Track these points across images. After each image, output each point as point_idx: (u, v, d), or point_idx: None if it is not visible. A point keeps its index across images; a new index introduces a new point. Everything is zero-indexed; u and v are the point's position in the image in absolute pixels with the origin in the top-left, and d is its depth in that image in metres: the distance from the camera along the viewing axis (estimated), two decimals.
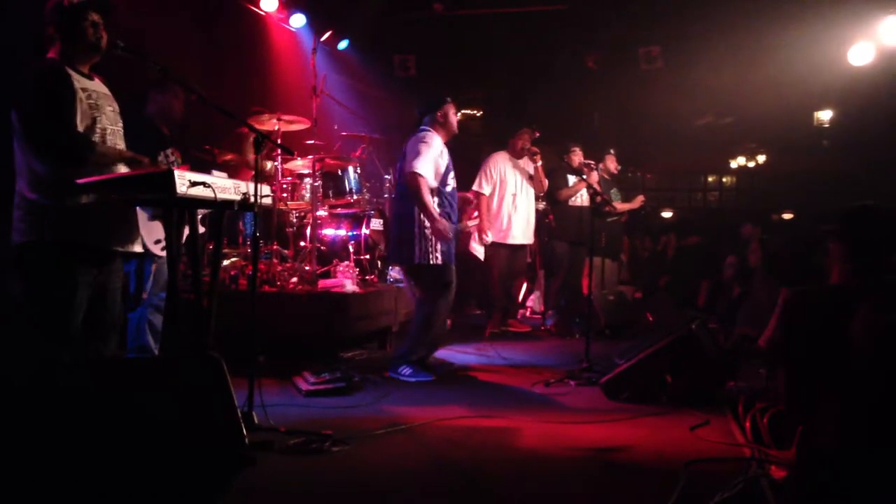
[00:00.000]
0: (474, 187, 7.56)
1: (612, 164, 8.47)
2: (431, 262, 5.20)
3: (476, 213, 7.73)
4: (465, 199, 7.74)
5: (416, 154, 5.16)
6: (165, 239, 3.58)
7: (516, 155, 7.57)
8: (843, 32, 8.64)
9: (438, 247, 5.20)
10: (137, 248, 3.75)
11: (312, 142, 6.63)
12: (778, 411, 3.54)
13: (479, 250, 8.11)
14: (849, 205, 2.55)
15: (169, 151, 4.94)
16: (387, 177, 7.80)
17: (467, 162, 7.48)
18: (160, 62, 3.69)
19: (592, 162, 7.83)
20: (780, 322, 2.48)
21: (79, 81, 3.46)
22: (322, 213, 6.66)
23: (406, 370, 5.20)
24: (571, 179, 7.77)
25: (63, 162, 3.37)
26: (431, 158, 5.20)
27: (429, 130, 5.35)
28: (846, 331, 2.27)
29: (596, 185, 6.91)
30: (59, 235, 3.39)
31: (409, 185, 5.15)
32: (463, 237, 8.09)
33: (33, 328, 3.42)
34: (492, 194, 7.49)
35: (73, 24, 3.47)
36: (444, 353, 6.05)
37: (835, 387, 2.29)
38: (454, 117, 5.47)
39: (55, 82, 3.38)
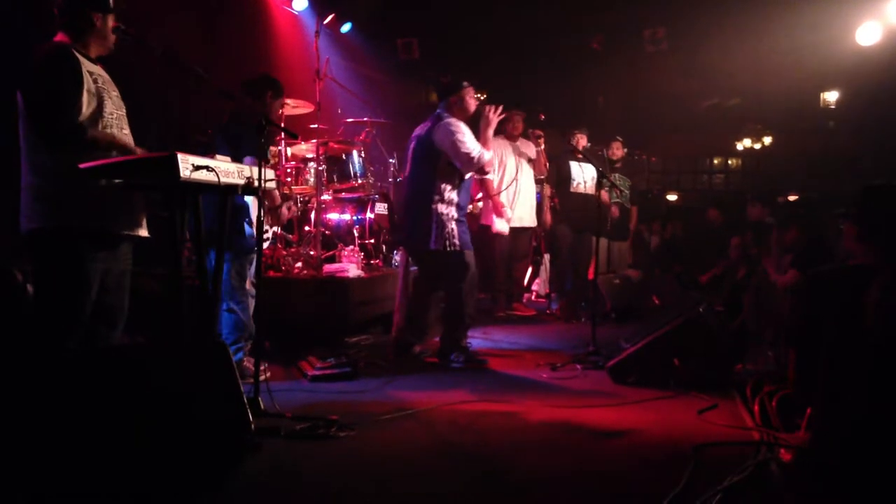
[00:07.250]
0: None
1: (616, 150, 8.39)
2: (449, 249, 5.19)
3: (479, 195, 7.61)
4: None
5: (458, 144, 5.14)
6: (168, 224, 3.55)
7: (513, 138, 7.53)
8: (850, 12, 8.55)
9: (456, 233, 5.21)
10: (143, 233, 3.72)
11: (316, 126, 6.59)
12: (786, 394, 3.53)
13: (501, 226, 7.56)
14: (865, 184, 2.52)
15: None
16: (391, 160, 7.74)
17: None
18: (161, 46, 3.66)
19: (600, 148, 7.77)
20: (801, 303, 2.45)
21: (85, 65, 3.42)
22: (326, 197, 6.63)
23: (460, 358, 5.25)
24: (574, 165, 7.72)
25: (59, 147, 3.34)
26: (471, 136, 5.24)
27: (450, 117, 5.30)
28: (863, 310, 2.25)
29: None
30: (64, 221, 3.36)
31: (480, 169, 5.35)
32: (470, 220, 7.90)
33: (43, 315, 3.40)
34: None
35: (82, 11, 3.44)
36: None
37: (853, 367, 2.26)
38: (471, 101, 5.44)
39: (62, 66, 3.34)
